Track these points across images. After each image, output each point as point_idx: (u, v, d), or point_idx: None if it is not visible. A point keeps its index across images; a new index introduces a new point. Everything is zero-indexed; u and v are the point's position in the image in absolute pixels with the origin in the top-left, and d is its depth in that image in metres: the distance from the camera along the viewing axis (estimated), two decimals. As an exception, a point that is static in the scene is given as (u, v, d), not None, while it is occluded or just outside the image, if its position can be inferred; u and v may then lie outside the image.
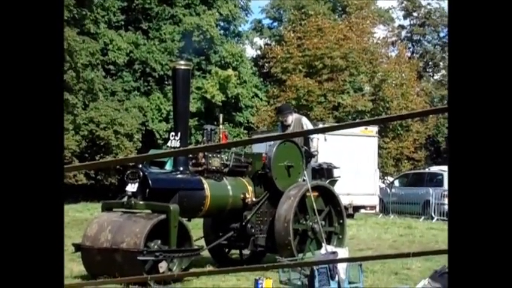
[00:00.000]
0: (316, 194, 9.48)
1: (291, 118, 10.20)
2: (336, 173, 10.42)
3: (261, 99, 35.16)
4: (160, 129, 33.03)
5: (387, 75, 30.44)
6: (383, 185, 25.85)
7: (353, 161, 19.49)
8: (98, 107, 28.67)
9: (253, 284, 6.90)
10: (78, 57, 26.08)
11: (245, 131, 33.69)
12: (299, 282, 6.74)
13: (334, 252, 7.19)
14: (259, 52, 40.40)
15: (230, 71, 32.55)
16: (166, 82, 33.73)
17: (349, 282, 6.68)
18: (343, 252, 7.32)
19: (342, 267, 6.57)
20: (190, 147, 8.88)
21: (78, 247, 8.38)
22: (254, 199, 9.44)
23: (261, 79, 37.11)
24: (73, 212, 19.38)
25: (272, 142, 9.63)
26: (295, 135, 10.23)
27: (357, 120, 14.73)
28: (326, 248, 7.88)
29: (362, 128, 20.97)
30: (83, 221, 16.63)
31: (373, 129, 22.06)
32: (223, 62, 34.00)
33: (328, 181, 10.11)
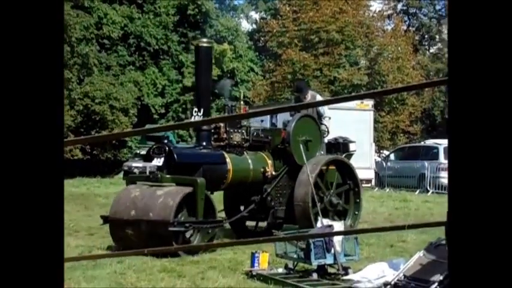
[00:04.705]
0: (333, 167, 9.88)
1: (309, 95, 10.51)
2: (351, 147, 10.69)
3: (257, 74, 35.05)
4: (155, 104, 32.92)
5: (383, 49, 30.32)
6: (379, 159, 25.90)
7: (349, 134, 19.38)
8: (92, 81, 28.53)
9: (250, 257, 6.95)
10: (73, 31, 25.88)
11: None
12: (295, 256, 6.78)
13: (329, 226, 7.23)
14: (254, 26, 40.20)
15: (226, 45, 32.40)
16: (161, 56, 33.53)
17: (345, 255, 6.72)
18: (338, 226, 7.36)
19: (337, 240, 6.60)
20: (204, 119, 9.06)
21: (106, 219, 8.58)
22: (274, 173, 9.75)
23: (257, 53, 36.95)
24: (69, 187, 19.40)
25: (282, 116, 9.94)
26: (303, 107, 10.40)
27: (361, 93, 14.79)
28: (322, 222, 7.92)
29: (358, 101, 20.94)
30: (79, 196, 16.69)
31: (369, 102, 22.02)
32: (218, 36, 33.81)
33: (344, 155, 10.41)
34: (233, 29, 34.46)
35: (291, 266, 6.86)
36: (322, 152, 10.01)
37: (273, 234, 9.61)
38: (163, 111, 33.15)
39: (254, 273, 6.69)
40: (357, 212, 10.14)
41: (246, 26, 40.77)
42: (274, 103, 28.25)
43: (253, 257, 6.86)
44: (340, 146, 10.58)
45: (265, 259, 6.86)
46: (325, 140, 10.57)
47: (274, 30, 31.94)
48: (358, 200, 10.19)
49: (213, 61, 32.28)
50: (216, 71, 32.03)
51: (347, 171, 10.14)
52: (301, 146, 9.72)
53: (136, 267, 7.00)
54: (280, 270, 6.86)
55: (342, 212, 9.92)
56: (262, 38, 36.03)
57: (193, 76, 32.49)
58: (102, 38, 31.11)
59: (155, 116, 32.79)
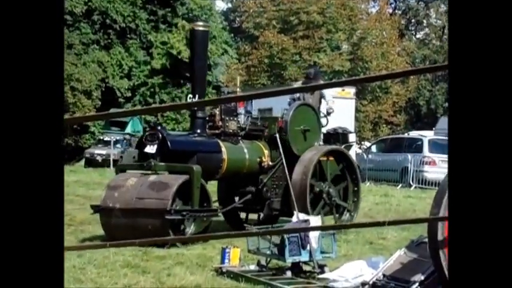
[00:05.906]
0: (332, 158, 10.08)
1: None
2: (351, 138, 10.91)
3: (231, 57, 34.97)
4: (121, 87, 32.67)
5: (367, 33, 30.44)
6: (359, 151, 26.05)
7: (329, 124, 19.52)
8: (53, 61, 28.21)
9: (220, 253, 6.95)
10: (32, 5, 25.54)
11: (213, 91, 33.56)
12: (268, 252, 6.79)
13: (306, 221, 7.25)
14: (230, 5, 40.03)
15: (198, 25, 32.25)
16: (128, 35, 33.25)
17: (322, 252, 6.75)
18: (315, 221, 7.39)
19: (314, 236, 6.63)
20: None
21: (97, 208, 8.65)
22: (270, 163, 9.91)
23: (232, 35, 36.84)
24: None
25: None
26: (299, 91, 10.68)
27: (354, 77, 14.66)
28: (298, 216, 7.95)
29: (338, 89, 21.00)
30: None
31: (351, 90, 22.11)
32: (190, 14, 33.63)
33: (343, 146, 10.61)
34: (206, 8, 34.29)
35: (263, 262, 6.88)
36: (320, 143, 10.24)
37: (245, 229, 9.70)
38: (129, 94, 32.92)
39: (224, 270, 6.69)
40: (356, 202, 10.34)
41: (220, 4, 40.70)
42: (249, 89, 28.24)
43: (223, 252, 6.86)
44: (340, 137, 10.81)
45: (236, 255, 6.86)
46: (324, 130, 10.79)
47: (251, 10, 31.88)
48: (357, 192, 10.39)
49: (184, 42, 32.18)
50: (187, 53, 31.85)
51: (346, 163, 10.34)
52: (298, 135, 9.94)
53: (97, 261, 6.97)
54: (252, 267, 6.88)
55: (340, 203, 10.12)
56: (237, 18, 35.96)
57: (162, 57, 32.35)
58: (64, 13, 30.74)
59: (121, 100, 32.56)
